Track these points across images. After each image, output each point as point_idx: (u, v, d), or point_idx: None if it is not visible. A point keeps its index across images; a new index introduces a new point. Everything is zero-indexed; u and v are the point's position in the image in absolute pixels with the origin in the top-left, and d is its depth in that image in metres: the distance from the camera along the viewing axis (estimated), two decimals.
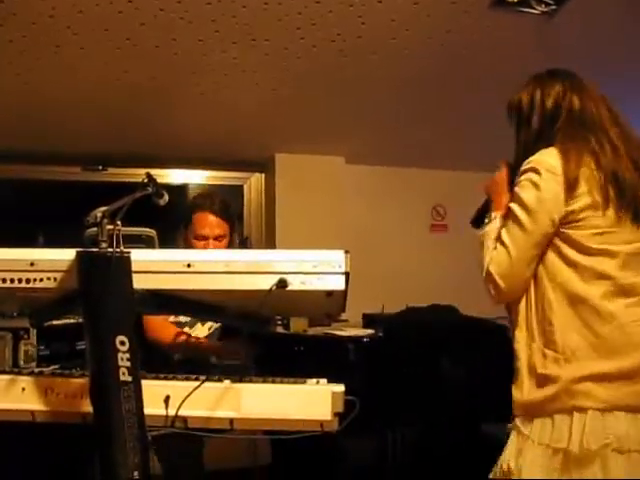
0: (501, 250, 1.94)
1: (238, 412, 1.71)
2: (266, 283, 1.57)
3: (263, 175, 5.77)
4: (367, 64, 3.83)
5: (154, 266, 1.61)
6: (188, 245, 3.03)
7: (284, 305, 1.75)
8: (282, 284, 1.56)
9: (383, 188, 5.75)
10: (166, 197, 2.24)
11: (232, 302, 1.69)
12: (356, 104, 4.47)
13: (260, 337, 3.02)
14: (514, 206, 1.95)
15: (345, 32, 3.45)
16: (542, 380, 1.88)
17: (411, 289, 4.68)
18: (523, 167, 1.96)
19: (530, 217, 1.91)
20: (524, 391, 1.92)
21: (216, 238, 3.02)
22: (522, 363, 1.93)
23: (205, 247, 2.99)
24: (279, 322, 4.00)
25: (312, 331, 4.15)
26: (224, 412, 1.72)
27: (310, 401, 1.67)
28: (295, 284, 1.57)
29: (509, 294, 1.96)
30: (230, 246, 3.08)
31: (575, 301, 1.88)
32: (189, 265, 1.60)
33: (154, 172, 2.25)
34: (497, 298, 1.97)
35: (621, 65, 3.92)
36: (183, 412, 1.69)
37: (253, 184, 5.81)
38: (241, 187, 5.77)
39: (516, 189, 1.97)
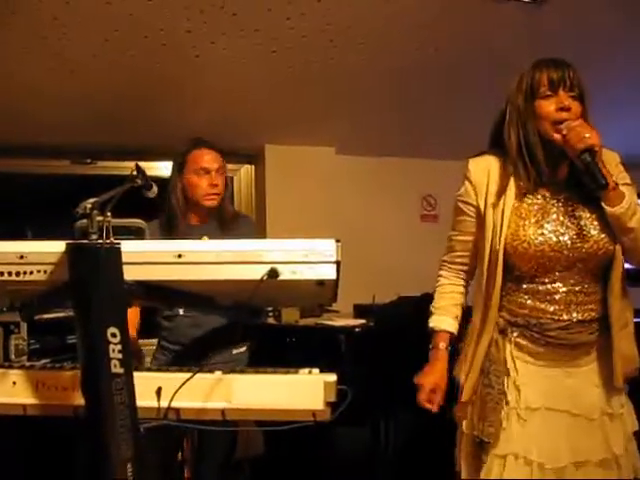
0: None
1: (230, 403, 1.70)
2: (257, 273, 1.56)
3: (253, 166, 5.76)
4: (357, 54, 3.82)
5: (144, 257, 1.60)
6: (188, 188, 2.98)
7: (276, 295, 1.74)
8: (273, 274, 1.55)
9: (373, 178, 5.75)
10: (155, 189, 2.23)
11: (224, 293, 1.68)
12: (346, 94, 4.46)
13: (253, 328, 3.02)
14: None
15: (335, 22, 3.44)
16: None
17: (402, 279, 4.67)
18: (618, 157, 2.19)
19: None
20: None
21: (218, 171, 3.00)
22: None
23: (210, 181, 2.96)
24: (270, 313, 4.00)
25: (303, 322, 4.15)
26: (216, 403, 1.71)
27: (302, 391, 1.67)
28: (286, 274, 1.56)
29: None
30: (226, 187, 3.07)
31: None
32: (180, 256, 1.59)
33: (143, 165, 2.24)
34: None
35: (607, 54, 3.93)
36: (175, 404, 1.68)
37: (243, 175, 5.80)
38: (231, 179, 5.75)
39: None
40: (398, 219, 5.83)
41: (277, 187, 5.48)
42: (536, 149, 2.10)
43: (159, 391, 1.69)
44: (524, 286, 2.13)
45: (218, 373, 1.73)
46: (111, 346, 1.51)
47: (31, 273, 1.62)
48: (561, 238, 2.08)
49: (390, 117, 4.98)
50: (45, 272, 1.62)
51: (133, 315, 2.99)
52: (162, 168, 5.19)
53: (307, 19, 3.38)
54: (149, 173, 2.09)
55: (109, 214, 1.56)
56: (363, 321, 4.07)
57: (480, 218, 2.20)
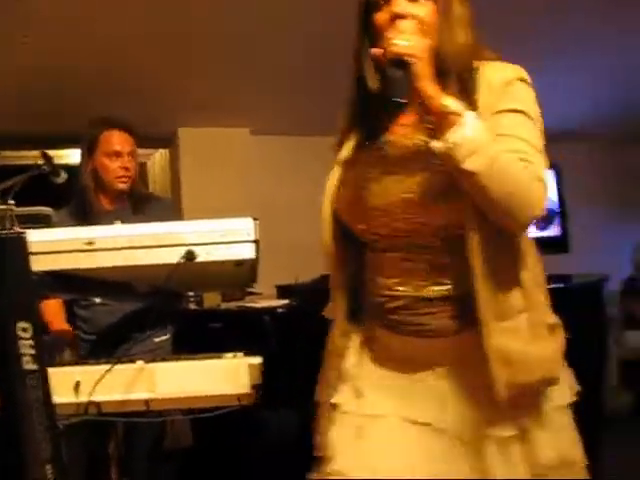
0: (540, 156, 1.48)
1: (154, 393, 1.66)
2: (173, 256, 1.51)
3: (167, 151, 5.65)
4: (268, 30, 3.76)
5: (53, 246, 1.53)
6: (99, 170, 2.90)
7: (194, 278, 1.70)
8: (190, 256, 1.50)
9: (290, 158, 5.72)
10: (64, 175, 2.16)
11: (139, 279, 1.63)
12: (258, 73, 4.40)
13: (175, 315, 2.97)
14: (530, 107, 1.53)
15: None
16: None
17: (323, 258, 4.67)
18: (520, 74, 1.56)
19: (541, 124, 1.55)
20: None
21: (129, 154, 2.94)
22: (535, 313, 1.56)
23: (122, 165, 2.89)
24: (192, 299, 3.94)
25: (226, 306, 4.10)
26: (139, 394, 1.66)
27: (227, 375, 1.64)
28: (203, 255, 1.52)
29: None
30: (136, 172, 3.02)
31: None
32: (90, 242, 1.53)
33: (52, 153, 2.16)
34: (531, 220, 1.49)
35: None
36: (95, 397, 1.63)
37: (157, 160, 5.70)
38: (144, 164, 5.63)
39: (524, 89, 1.55)
40: (316, 198, 5.81)
41: (192, 171, 5.40)
42: (371, 83, 1.60)
43: (77, 385, 1.63)
44: (366, 258, 1.66)
45: (139, 362, 1.68)
46: (22, 342, 1.46)
47: None
48: (386, 195, 1.56)
49: (305, 95, 4.95)
50: None
51: (58, 307, 2.91)
52: (70, 156, 5.05)
53: None
54: (59, 161, 2.02)
55: (12, 202, 1.49)
56: (286, 301, 4.04)
57: None
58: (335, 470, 1.54)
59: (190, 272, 1.56)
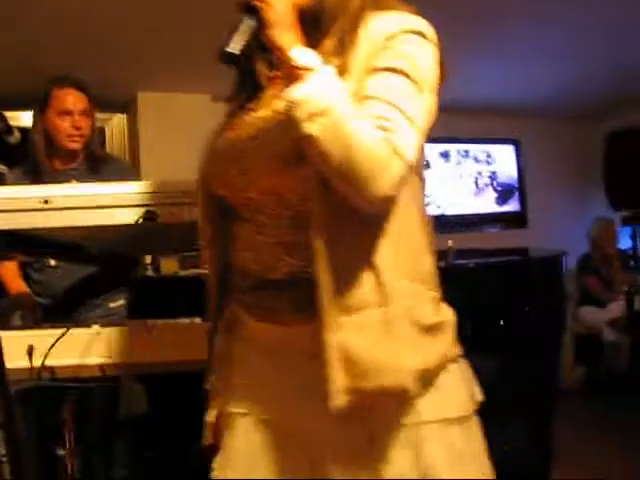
0: (409, 126, 1.21)
1: (110, 358, 1.63)
2: (131, 217, 1.47)
3: (125, 115, 5.55)
4: None
5: (6, 204, 1.49)
6: (50, 130, 2.83)
7: (152, 240, 1.66)
8: (150, 216, 1.46)
9: None
10: (18, 134, 2.09)
11: (97, 240, 1.59)
12: (220, 40, 4.33)
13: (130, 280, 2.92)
14: (414, 66, 1.26)
15: None
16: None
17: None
18: (411, 26, 1.29)
19: (433, 92, 1.28)
20: None
21: (82, 113, 2.85)
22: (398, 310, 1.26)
23: (73, 124, 2.82)
24: (148, 266, 3.90)
25: (184, 273, 4.05)
26: (94, 359, 1.63)
27: (184, 340, 1.62)
28: (164, 216, 1.48)
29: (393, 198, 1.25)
30: (92, 132, 2.93)
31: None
32: (46, 201, 1.48)
33: (7, 114, 2.09)
34: (379, 198, 1.20)
35: None
36: (49, 362, 1.59)
37: (115, 125, 5.59)
38: (102, 129, 5.52)
39: (414, 44, 1.28)
40: None
41: (151, 136, 5.30)
42: None
43: (31, 350, 1.59)
44: (232, 228, 1.43)
45: (95, 327, 1.65)
46: None
47: None
48: (245, 160, 1.36)
49: None
50: None
51: (15, 269, 2.86)
52: (25, 118, 4.91)
53: None
54: (13, 123, 1.97)
55: None
56: None
57: None
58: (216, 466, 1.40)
59: (149, 234, 1.53)
